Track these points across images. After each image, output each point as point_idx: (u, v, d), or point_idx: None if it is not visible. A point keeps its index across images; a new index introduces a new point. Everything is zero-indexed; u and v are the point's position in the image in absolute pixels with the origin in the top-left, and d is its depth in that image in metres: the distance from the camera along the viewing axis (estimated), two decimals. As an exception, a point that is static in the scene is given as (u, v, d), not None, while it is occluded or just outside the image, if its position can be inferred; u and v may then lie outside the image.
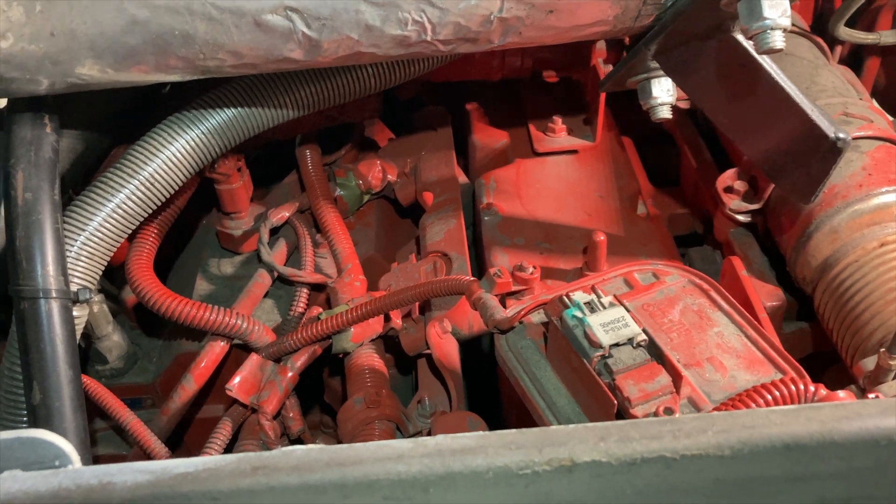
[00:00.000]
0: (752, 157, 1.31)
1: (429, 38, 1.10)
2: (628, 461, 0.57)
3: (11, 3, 0.98)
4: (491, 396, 1.50)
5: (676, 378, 0.94)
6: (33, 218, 1.14)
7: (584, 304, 1.00)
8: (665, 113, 1.32)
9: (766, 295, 1.45)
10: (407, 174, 1.76)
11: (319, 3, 1.03)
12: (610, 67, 1.72)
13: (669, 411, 0.90)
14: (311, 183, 1.64)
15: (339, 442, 1.41)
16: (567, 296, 1.02)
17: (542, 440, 0.57)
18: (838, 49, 1.98)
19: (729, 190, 1.69)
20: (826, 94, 1.63)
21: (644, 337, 0.97)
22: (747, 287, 1.34)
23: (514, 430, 0.59)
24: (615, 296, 1.03)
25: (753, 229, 1.71)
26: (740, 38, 1.11)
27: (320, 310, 1.47)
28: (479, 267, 1.52)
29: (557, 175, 1.71)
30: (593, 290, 1.03)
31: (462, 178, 1.78)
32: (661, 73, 1.30)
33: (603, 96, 1.66)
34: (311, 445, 0.68)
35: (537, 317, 1.12)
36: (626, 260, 1.50)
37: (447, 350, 1.35)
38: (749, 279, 1.36)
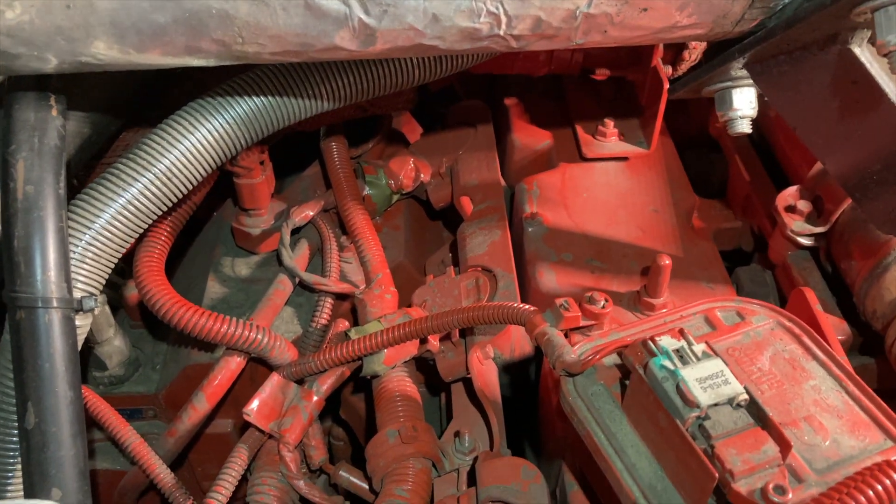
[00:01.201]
0: (840, 178, 1.17)
1: (501, 33, 0.95)
2: None
3: (21, -33, 0.83)
4: (521, 416, 1.38)
5: (784, 448, 0.81)
6: (34, 215, 0.99)
7: (674, 351, 0.87)
8: (745, 127, 1.19)
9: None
10: (442, 175, 1.60)
11: (383, -15, 0.88)
12: (668, 69, 1.58)
13: (780, 490, 0.77)
14: (339, 180, 1.48)
15: (361, 468, 1.28)
16: (653, 340, 0.89)
17: None
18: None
19: (790, 209, 1.56)
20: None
21: (746, 396, 0.84)
22: (823, 326, 1.21)
23: None
24: (708, 343, 0.90)
25: (813, 252, 1.59)
26: (858, 51, 0.97)
27: (347, 324, 1.33)
28: (520, 281, 1.38)
29: (606, 184, 1.56)
30: (682, 334, 0.90)
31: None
32: (747, 82, 1.16)
33: (664, 101, 1.51)
34: None
35: (608, 357, 0.99)
36: (684, 285, 1.37)
37: (489, 379, 1.22)
38: (825, 316, 1.23)
